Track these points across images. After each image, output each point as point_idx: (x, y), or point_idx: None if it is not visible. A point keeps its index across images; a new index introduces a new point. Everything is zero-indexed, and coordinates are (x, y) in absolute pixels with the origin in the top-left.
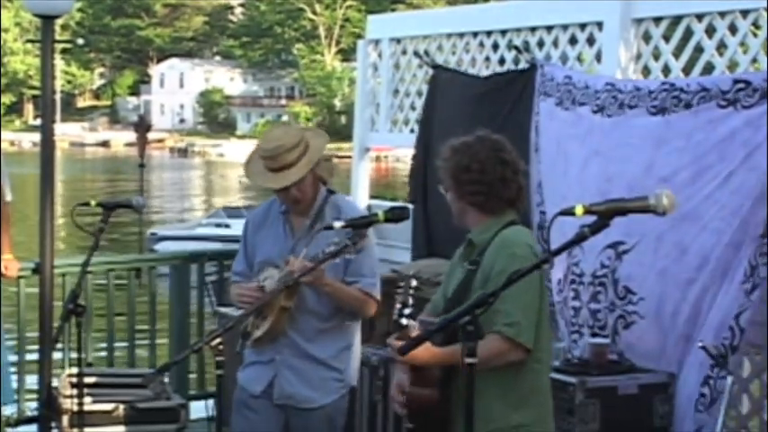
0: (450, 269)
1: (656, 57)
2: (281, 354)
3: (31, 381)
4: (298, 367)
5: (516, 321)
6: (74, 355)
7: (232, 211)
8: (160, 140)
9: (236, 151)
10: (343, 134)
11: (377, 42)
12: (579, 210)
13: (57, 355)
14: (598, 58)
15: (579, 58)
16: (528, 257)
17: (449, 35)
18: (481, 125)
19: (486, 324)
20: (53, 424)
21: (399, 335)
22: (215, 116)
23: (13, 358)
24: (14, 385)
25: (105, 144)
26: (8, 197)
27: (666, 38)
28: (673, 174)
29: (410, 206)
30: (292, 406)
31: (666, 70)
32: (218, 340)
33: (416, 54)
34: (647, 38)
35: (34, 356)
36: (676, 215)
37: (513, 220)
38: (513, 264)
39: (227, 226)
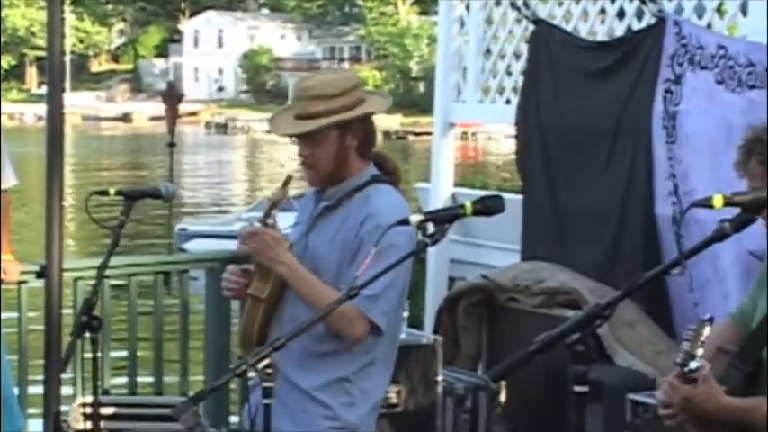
0: (757, 288)
1: None
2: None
3: (36, 411)
4: (281, 395)
5: None
6: (88, 378)
7: None
8: (194, 114)
9: None
10: (422, 106)
11: None
12: (718, 200)
13: (66, 380)
14: (743, 9)
15: (719, 10)
16: None
17: None
18: (603, 105)
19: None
20: None
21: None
22: (262, 83)
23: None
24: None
25: (126, 118)
26: (10, 182)
27: None
28: None
29: (506, 196)
30: None
31: None
32: (265, 362)
33: (513, 5)
34: None
35: (38, 381)
36: None
37: None
38: None
39: None
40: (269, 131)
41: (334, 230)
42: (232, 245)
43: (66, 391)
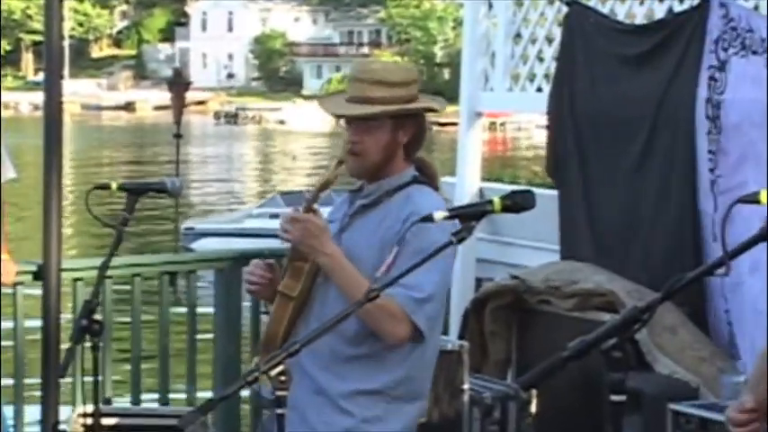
0: None
1: None
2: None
3: (32, 420)
4: (300, 402)
5: None
6: (88, 386)
7: (292, 198)
8: (201, 102)
9: (301, 117)
10: (447, 94)
11: None
12: (765, 196)
13: (65, 388)
14: None
15: None
16: None
17: None
18: (641, 93)
19: None
20: None
21: None
22: (274, 70)
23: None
24: (10, 422)
25: (129, 107)
26: (9, 175)
27: None
28: None
29: (537, 191)
30: None
31: None
32: (279, 368)
33: None
34: None
35: (35, 390)
36: None
37: None
38: None
39: None
40: (280, 122)
41: (372, 229)
42: (242, 243)
43: (65, 407)
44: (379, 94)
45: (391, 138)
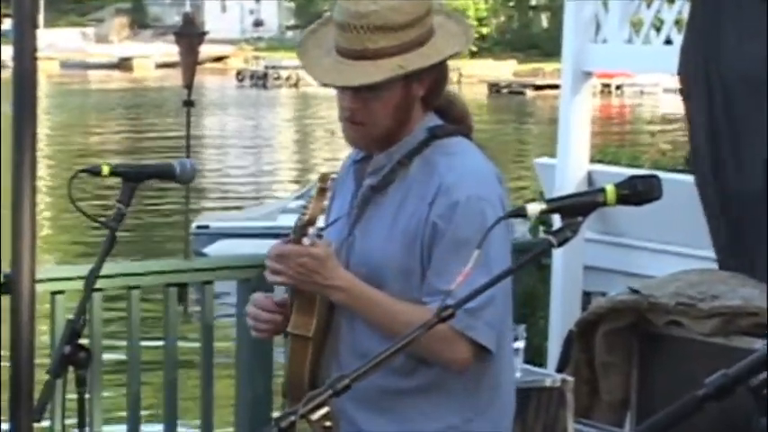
0: None
1: None
2: None
3: None
4: None
5: None
6: None
7: None
8: (220, 59)
9: None
10: (544, 47)
11: None
12: None
13: None
14: None
15: None
16: None
17: None
18: None
19: None
20: None
21: None
22: (316, 15)
23: None
24: None
25: (124, 65)
26: None
27: None
28: None
29: (664, 176)
30: None
31: None
32: (323, 411)
33: None
34: None
35: None
36: None
37: None
38: None
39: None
40: (323, 84)
41: (389, 220)
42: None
43: None
44: (385, 44)
45: (403, 96)
